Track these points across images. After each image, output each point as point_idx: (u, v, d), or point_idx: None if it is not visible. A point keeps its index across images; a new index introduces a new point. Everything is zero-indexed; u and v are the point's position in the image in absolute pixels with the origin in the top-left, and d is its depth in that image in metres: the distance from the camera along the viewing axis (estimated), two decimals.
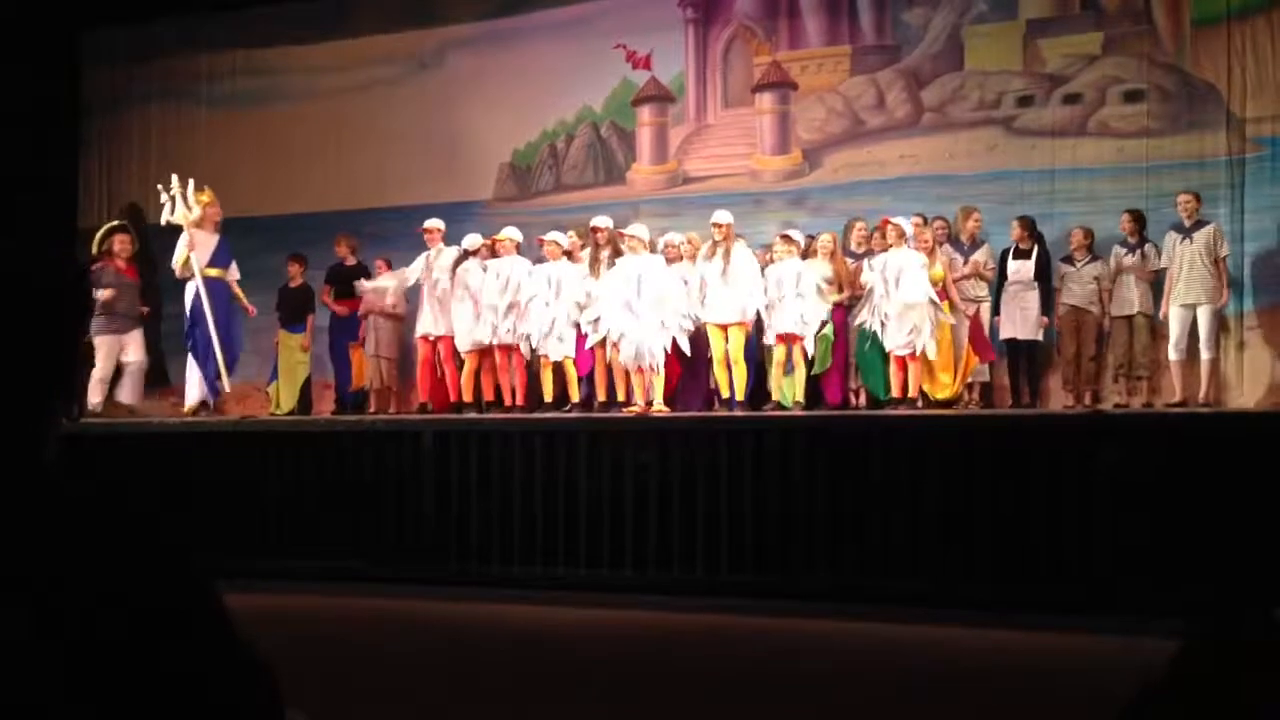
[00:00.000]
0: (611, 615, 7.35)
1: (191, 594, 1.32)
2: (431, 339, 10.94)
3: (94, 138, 14.34)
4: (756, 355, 10.27)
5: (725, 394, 10.09)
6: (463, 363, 10.86)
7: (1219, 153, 10.46)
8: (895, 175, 11.52)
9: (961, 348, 10.15)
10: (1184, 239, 9.95)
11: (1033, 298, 10.32)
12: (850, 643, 6.60)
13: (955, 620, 6.74)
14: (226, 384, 10.86)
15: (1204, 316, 9.88)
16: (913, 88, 11.61)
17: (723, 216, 10.14)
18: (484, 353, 10.69)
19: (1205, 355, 9.86)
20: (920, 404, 9.82)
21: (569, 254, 10.66)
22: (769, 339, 10.12)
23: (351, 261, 11.86)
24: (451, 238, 11.38)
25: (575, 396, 10.46)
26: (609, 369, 10.28)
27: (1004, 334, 10.43)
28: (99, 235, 11.42)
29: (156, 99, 14.09)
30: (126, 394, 10.99)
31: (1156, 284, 10.15)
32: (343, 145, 12.80)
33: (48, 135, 13.33)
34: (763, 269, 10.17)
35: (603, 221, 10.51)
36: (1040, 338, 10.45)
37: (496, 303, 10.51)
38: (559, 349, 10.39)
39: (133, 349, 10.99)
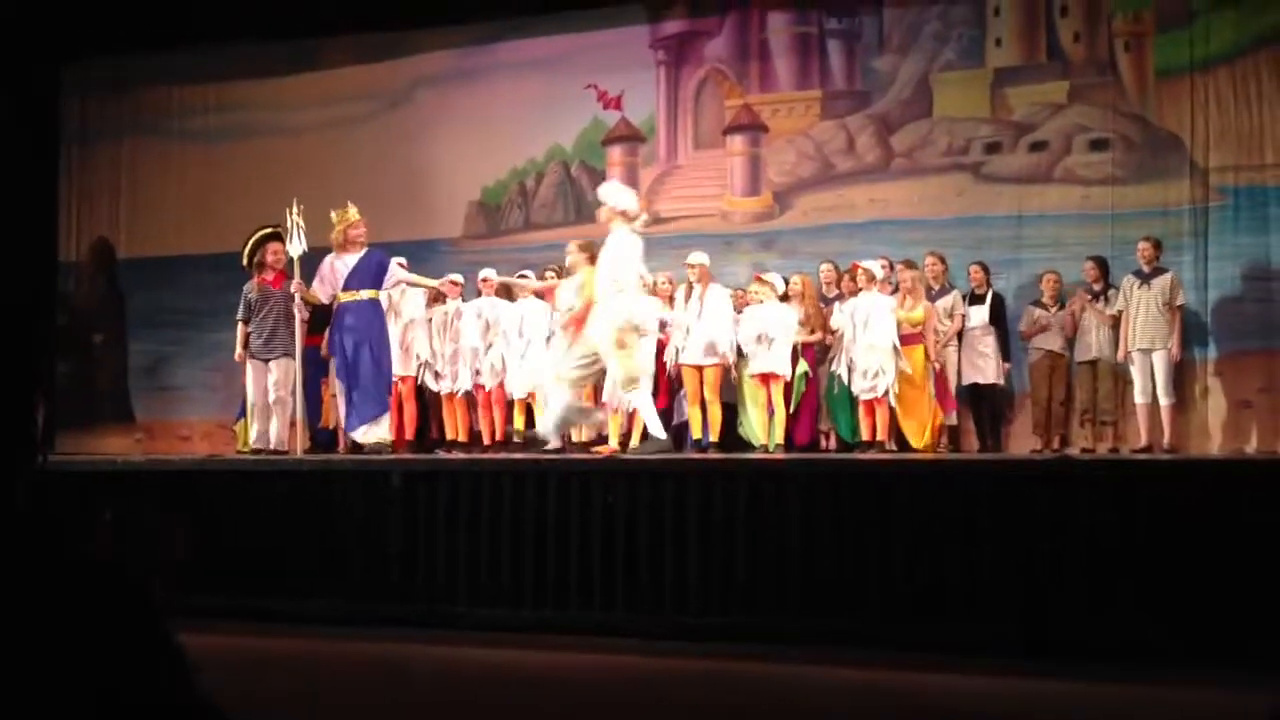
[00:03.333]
0: (581, 658, 7.31)
1: (150, 645, 1.31)
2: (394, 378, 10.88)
3: (68, 170, 14.24)
4: (729, 396, 10.29)
5: (696, 435, 10.09)
6: (425, 401, 10.81)
7: (1182, 201, 10.64)
8: (865, 219, 11.65)
9: (932, 398, 10.19)
10: (1141, 285, 10.09)
11: (990, 342, 10.43)
12: (824, 686, 6.60)
13: (930, 665, 6.74)
14: (342, 418, 9.78)
15: (1159, 362, 10.00)
16: (882, 133, 11.74)
17: (698, 258, 10.20)
18: (465, 393, 10.69)
19: (1164, 401, 9.98)
20: (894, 447, 9.86)
21: (539, 294, 10.69)
22: (747, 380, 10.14)
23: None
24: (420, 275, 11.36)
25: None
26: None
27: (965, 379, 10.51)
28: (249, 246, 9.87)
29: (128, 133, 14.03)
30: (270, 435, 9.76)
31: (1119, 329, 10.27)
32: (313, 181, 12.75)
33: (28, 168, 13.17)
34: (739, 310, 10.21)
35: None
36: (1002, 382, 10.53)
37: (477, 344, 10.53)
38: (525, 387, 10.40)
39: (283, 380, 9.71)
